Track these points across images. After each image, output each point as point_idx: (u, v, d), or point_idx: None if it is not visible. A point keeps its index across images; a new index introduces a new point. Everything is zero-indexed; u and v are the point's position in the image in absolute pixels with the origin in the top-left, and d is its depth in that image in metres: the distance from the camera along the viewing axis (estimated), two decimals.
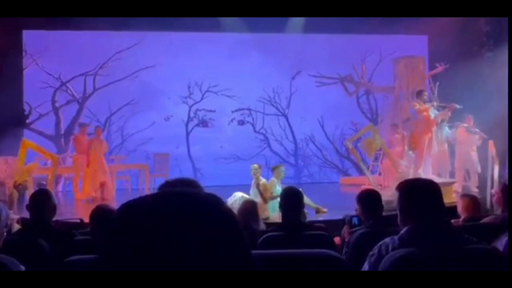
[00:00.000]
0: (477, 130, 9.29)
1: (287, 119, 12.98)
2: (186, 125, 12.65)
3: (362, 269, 2.28)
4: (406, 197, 2.22)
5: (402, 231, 2.19)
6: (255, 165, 7.46)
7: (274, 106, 12.94)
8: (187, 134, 12.65)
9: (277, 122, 12.95)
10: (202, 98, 12.65)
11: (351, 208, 4.66)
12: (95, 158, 9.42)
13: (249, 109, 12.84)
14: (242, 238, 0.77)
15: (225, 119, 12.79)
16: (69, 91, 11.92)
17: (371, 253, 2.26)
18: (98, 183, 9.37)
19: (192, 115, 12.72)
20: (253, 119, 12.93)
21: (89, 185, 9.31)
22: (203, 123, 12.78)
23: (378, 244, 2.24)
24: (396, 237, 2.21)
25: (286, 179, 8.27)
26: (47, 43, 11.48)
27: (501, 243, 2.54)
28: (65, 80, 11.83)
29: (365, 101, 13.10)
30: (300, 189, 3.85)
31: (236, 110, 12.77)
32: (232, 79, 12.28)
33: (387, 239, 2.23)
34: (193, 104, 12.64)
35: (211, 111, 12.68)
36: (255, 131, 12.93)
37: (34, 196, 3.55)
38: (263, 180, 7.32)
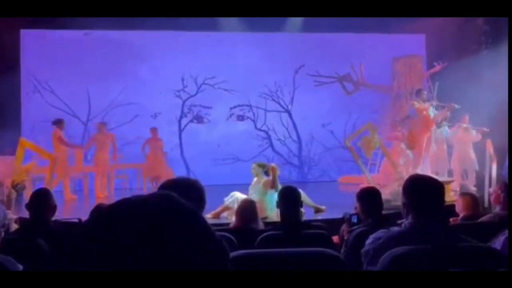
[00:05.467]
0: (475, 128, 9.31)
1: (290, 116, 12.27)
2: (179, 121, 11.84)
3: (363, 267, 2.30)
4: (409, 191, 2.25)
5: (405, 222, 2.22)
6: (255, 164, 7.44)
7: (276, 101, 12.19)
8: (180, 131, 11.83)
9: (279, 118, 12.18)
10: (197, 92, 11.80)
11: (350, 207, 4.67)
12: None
13: (250, 105, 12.02)
14: (209, 232, 0.78)
15: (223, 114, 11.87)
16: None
17: (365, 249, 2.29)
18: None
19: (186, 110, 11.86)
20: (254, 114, 12.10)
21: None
22: (198, 118, 11.87)
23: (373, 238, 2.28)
24: (395, 229, 2.25)
25: (290, 181, 8.09)
26: (41, 40, 11.27)
27: (499, 242, 2.55)
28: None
29: (365, 97, 12.90)
30: (297, 188, 3.84)
31: (235, 107, 11.96)
32: (230, 71, 11.51)
33: (380, 232, 2.27)
34: (187, 98, 11.83)
35: (207, 107, 11.86)
36: (256, 128, 12.13)
37: (34, 196, 3.52)
38: (265, 178, 7.33)
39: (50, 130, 9.53)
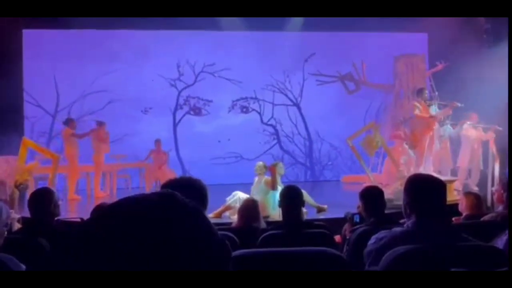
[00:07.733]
0: (488, 126, 9.22)
1: (299, 110, 11.40)
2: (174, 114, 10.84)
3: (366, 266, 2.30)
4: (410, 191, 2.25)
5: (408, 222, 2.22)
6: (260, 163, 7.37)
7: (283, 93, 11.26)
8: (175, 125, 10.80)
9: (287, 113, 11.30)
10: (195, 81, 10.75)
11: (353, 206, 4.67)
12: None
13: (255, 98, 10.99)
14: (211, 232, 0.78)
15: (224, 105, 10.79)
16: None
17: (368, 249, 2.29)
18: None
19: (182, 101, 10.80)
20: (260, 106, 11.04)
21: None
22: (196, 110, 10.79)
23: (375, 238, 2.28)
24: (397, 229, 2.25)
25: (297, 181, 7.79)
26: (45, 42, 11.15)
27: (501, 241, 2.54)
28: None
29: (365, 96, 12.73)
30: (299, 188, 3.83)
31: (238, 100, 10.98)
32: (232, 59, 10.67)
33: (383, 233, 2.27)
34: (183, 88, 10.84)
35: (207, 100, 10.90)
36: (262, 122, 11.09)
37: (34, 195, 3.51)
38: (265, 177, 7.29)
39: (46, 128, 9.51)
